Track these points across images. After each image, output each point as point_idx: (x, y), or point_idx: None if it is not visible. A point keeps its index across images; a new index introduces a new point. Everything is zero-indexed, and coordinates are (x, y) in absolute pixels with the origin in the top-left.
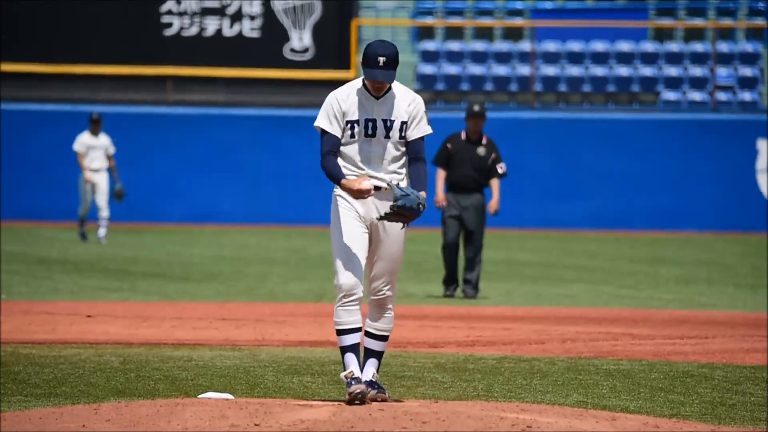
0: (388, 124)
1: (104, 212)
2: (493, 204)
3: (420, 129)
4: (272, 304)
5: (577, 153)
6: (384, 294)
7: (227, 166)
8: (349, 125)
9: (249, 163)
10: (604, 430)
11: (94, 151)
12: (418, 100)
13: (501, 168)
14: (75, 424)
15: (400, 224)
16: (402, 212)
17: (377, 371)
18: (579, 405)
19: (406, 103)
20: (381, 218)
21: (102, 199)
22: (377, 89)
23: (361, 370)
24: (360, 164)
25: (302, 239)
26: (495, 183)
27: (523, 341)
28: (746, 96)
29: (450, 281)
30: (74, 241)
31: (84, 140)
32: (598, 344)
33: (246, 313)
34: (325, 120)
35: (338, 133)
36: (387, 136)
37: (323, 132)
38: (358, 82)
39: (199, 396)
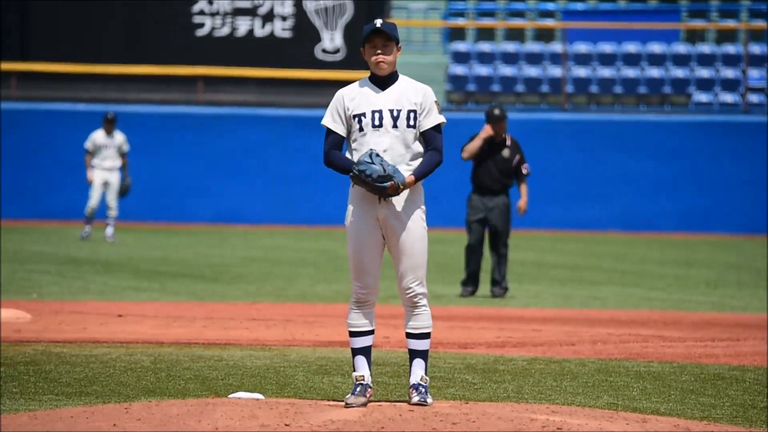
0: (395, 113)
1: (113, 211)
2: (522, 204)
3: (431, 119)
4: (302, 305)
5: (608, 154)
6: (414, 291)
7: (256, 167)
8: (356, 119)
9: (278, 164)
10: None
11: (107, 149)
12: (427, 89)
13: (525, 169)
14: (106, 423)
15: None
16: (361, 179)
17: (425, 372)
18: (609, 407)
19: (414, 93)
20: (353, 176)
21: (112, 197)
22: (380, 66)
23: (410, 373)
24: None
25: (331, 240)
26: (523, 184)
27: (553, 343)
28: None
29: (468, 282)
30: (103, 240)
31: (95, 138)
32: (628, 346)
33: (276, 314)
34: (329, 118)
35: (342, 132)
36: (395, 126)
37: (328, 131)
38: (365, 78)
39: (230, 396)
